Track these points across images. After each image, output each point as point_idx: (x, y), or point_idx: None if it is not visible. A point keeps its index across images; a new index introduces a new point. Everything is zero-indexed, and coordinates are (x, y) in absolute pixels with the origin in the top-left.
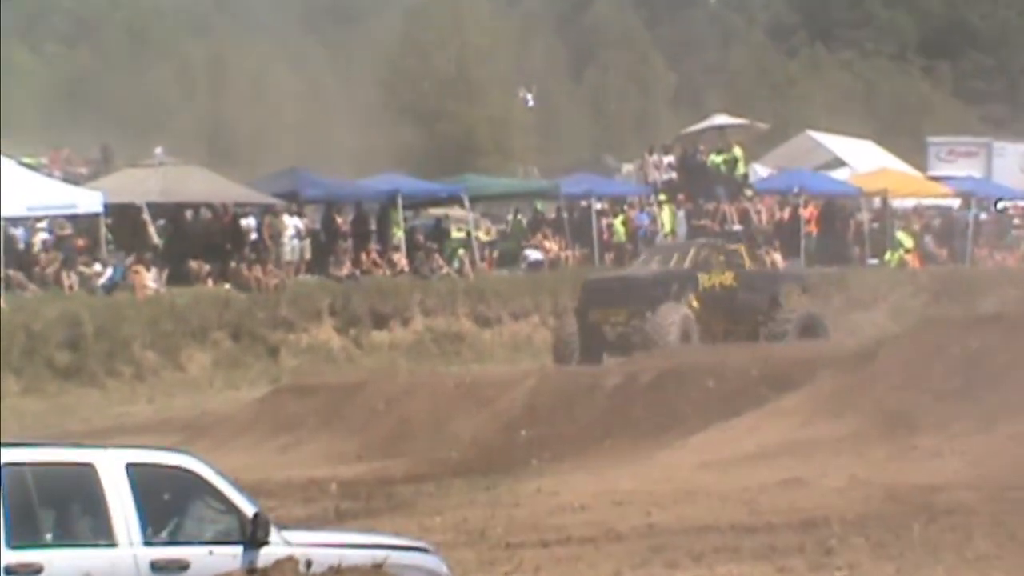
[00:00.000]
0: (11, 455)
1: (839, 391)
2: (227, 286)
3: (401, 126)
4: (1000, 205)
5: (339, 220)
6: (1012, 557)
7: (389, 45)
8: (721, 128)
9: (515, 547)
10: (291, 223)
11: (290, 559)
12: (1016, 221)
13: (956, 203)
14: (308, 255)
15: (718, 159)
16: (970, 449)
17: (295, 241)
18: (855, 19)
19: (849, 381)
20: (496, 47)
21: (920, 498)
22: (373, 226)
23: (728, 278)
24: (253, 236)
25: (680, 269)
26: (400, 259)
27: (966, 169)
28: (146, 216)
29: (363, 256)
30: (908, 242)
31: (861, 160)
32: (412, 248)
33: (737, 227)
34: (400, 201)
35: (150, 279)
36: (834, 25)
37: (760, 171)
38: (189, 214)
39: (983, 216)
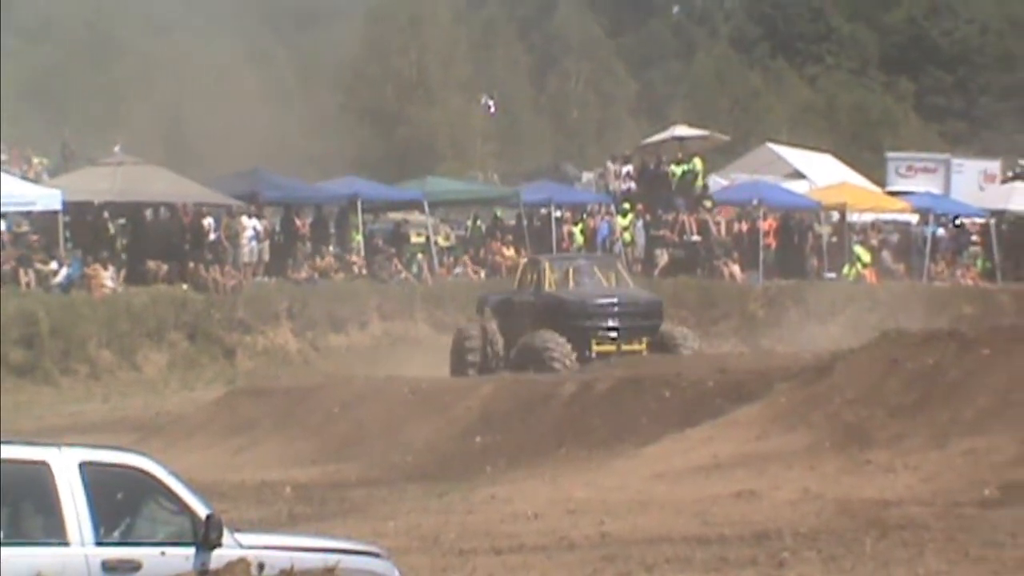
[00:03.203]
0: None
1: (794, 404)
2: (185, 287)
3: (361, 129)
4: (958, 222)
5: (298, 223)
6: (963, 574)
7: (350, 48)
8: (681, 139)
9: (468, 554)
10: (250, 224)
11: (242, 561)
12: (973, 238)
13: (914, 219)
14: (266, 257)
15: (678, 170)
16: (923, 465)
17: (253, 243)
18: (817, 33)
19: (804, 394)
20: (457, 52)
21: (872, 513)
22: (332, 229)
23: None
24: (212, 237)
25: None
26: (358, 263)
27: (925, 185)
28: (105, 215)
29: (321, 259)
30: (866, 256)
31: (820, 174)
32: (371, 252)
33: (696, 238)
34: (359, 205)
35: (108, 278)
36: (796, 38)
37: (720, 182)
38: (149, 213)
39: (941, 232)
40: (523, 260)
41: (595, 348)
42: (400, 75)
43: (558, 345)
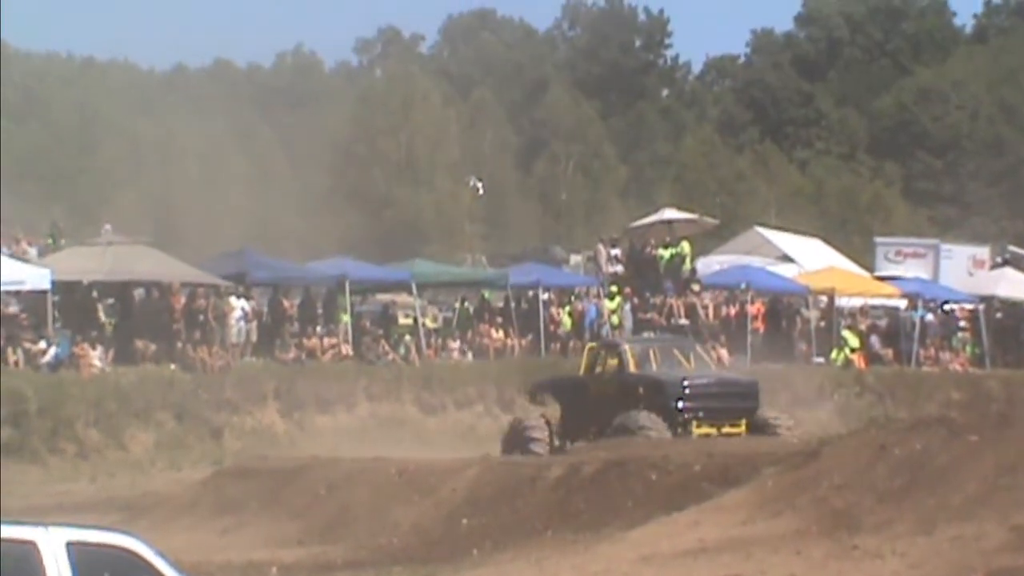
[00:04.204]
0: None
1: (781, 489)
2: (173, 366)
3: (350, 211)
4: (947, 307)
5: (286, 303)
6: None
7: (339, 130)
8: (670, 222)
9: None
10: (238, 305)
11: None
12: (962, 324)
13: (903, 304)
14: (254, 337)
15: (666, 253)
16: (911, 551)
17: (242, 323)
18: (806, 117)
19: (792, 479)
20: (446, 134)
21: None
22: (320, 310)
23: None
24: (201, 317)
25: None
26: (345, 345)
27: (914, 270)
28: (94, 294)
29: (308, 340)
30: (854, 341)
31: (809, 258)
32: (358, 333)
33: (684, 321)
34: (348, 286)
35: (96, 358)
36: (785, 123)
37: (709, 266)
38: (139, 293)
39: (929, 318)
40: (588, 345)
41: (696, 430)
42: (389, 157)
43: (655, 424)
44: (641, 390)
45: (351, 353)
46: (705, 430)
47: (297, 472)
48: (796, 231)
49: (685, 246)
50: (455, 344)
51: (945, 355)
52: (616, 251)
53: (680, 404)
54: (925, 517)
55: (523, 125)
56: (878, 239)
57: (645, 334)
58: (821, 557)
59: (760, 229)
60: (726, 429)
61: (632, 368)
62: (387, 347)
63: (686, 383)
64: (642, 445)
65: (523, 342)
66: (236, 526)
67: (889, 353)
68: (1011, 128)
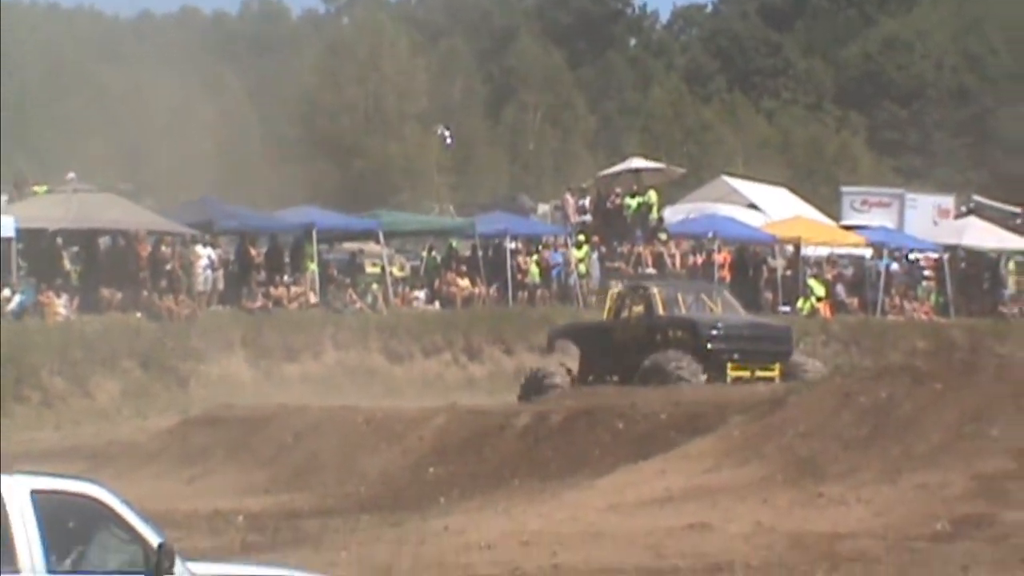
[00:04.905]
0: None
1: (747, 437)
2: (139, 315)
3: (318, 160)
4: (912, 256)
5: (253, 252)
6: None
7: (307, 79)
8: (637, 171)
9: None
10: (205, 253)
11: None
12: (927, 273)
13: (868, 253)
14: (221, 286)
15: (633, 202)
16: (875, 498)
17: (208, 272)
18: (773, 67)
19: (758, 427)
20: (414, 83)
21: (824, 546)
22: (287, 259)
23: None
24: (167, 266)
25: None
26: (312, 293)
27: (879, 219)
28: (59, 242)
29: (275, 288)
30: (820, 290)
31: (775, 207)
32: (325, 282)
33: (651, 270)
34: (315, 234)
35: (61, 306)
36: (752, 72)
37: (676, 215)
38: (105, 242)
39: (894, 267)
40: (613, 290)
41: (731, 372)
42: (357, 106)
43: (689, 365)
44: (673, 332)
45: (318, 302)
46: (739, 372)
47: (264, 420)
48: (763, 180)
49: (652, 195)
50: (421, 292)
51: (910, 304)
52: (584, 200)
53: (714, 346)
54: (889, 465)
55: (491, 74)
56: (844, 188)
57: (612, 282)
58: (786, 505)
59: (727, 178)
60: (760, 372)
61: (660, 312)
62: (354, 296)
63: (720, 324)
64: (610, 394)
65: (490, 291)
66: (202, 475)
67: (854, 302)
68: (976, 78)
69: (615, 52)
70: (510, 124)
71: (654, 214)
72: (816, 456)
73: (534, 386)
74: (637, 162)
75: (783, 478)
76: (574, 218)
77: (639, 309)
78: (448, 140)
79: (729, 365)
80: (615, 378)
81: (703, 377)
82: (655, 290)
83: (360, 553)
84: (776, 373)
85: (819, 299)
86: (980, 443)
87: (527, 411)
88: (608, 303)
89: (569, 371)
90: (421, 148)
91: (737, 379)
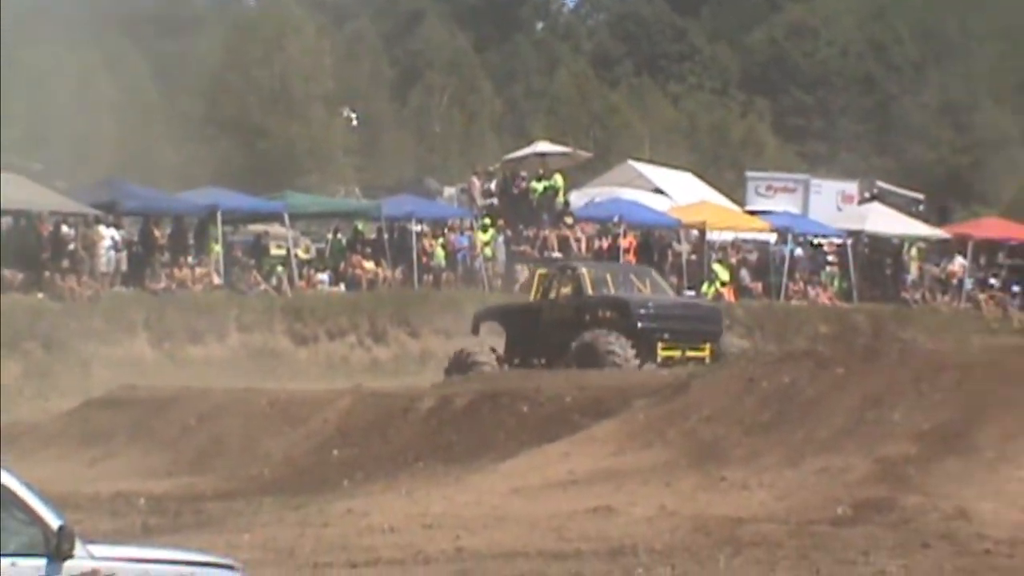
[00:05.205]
0: None
1: (651, 421)
2: (40, 295)
3: (222, 141)
4: (816, 241)
5: (157, 233)
6: None
7: (213, 59)
8: (543, 155)
9: (323, 567)
10: (108, 234)
11: (94, 573)
12: (830, 258)
13: (773, 238)
14: (124, 267)
15: (539, 186)
16: (778, 482)
17: (111, 253)
18: (679, 52)
19: (662, 411)
20: (321, 65)
21: (727, 530)
22: (191, 240)
23: None
24: (71, 246)
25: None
26: (216, 275)
27: (784, 205)
28: None
29: (179, 270)
30: (724, 275)
31: (681, 192)
32: (230, 264)
33: (556, 254)
34: (219, 216)
35: None
36: (658, 57)
37: (582, 199)
38: (7, 222)
39: (798, 252)
40: (540, 270)
41: (661, 352)
42: (262, 87)
43: (620, 344)
44: (603, 312)
45: (222, 283)
46: (670, 352)
47: (167, 403)
48: (668, 165)
49: (558, 179)
50: (326, 275)
51: (813, 289)
52: (490, 184)
53: (645, 325)
54: (792, 449)
55: (397, 57)
56: (749, 174)
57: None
58: (690, 488)
59: (633, 163)
60: (690, 352)
61: (590, 292)
62: (259, 278)
63: (650, 303)
64: (514, 377)
65: (396, 273)
66: (105, 457)
67: (758, 287)
68: (880, 65)
69: (522, 35)
70: (416, 107)
71: (560, 198)
72: (719, 440)
73: (460, 366)
74: (543, 146)
75: (686, 462)
76: (480, 201)
77: (567, 290)
78: (354, 122)
79: (659, 345)
80: (542, 360)
81: (633, 354)
82: (584, 270)
83: (263, 536)
84: (706, 353)
85: (723, 284)
86: (882, 428)
87: (431, 394)
88: (535, 284)
89: (496, 353)
90: (327, 130)
91: (667, 359)
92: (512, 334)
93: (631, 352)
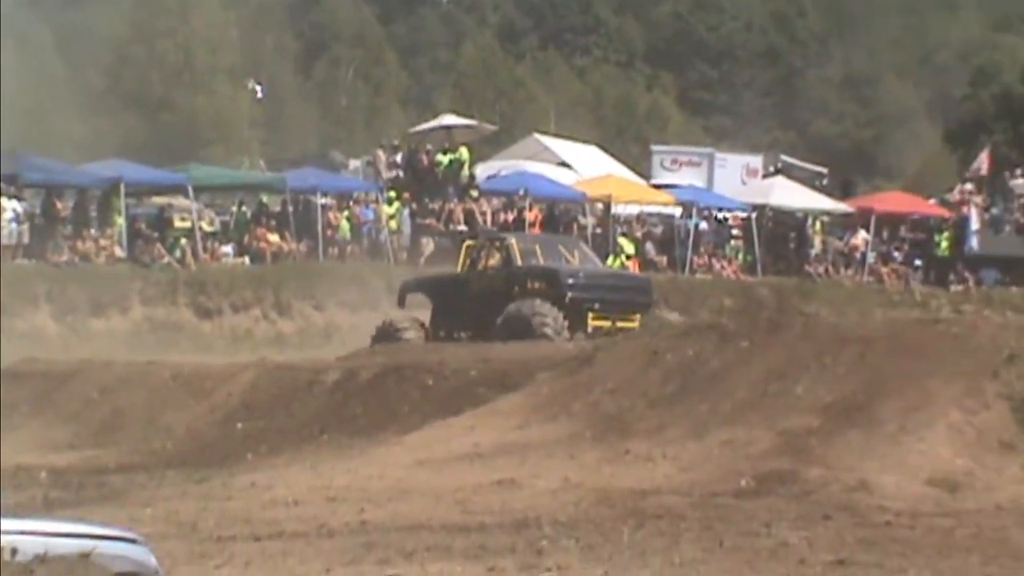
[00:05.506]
0: None
1: (556, 393)
2: None
3: (126, 113)
4: (720, 215)
5: (59, 205)
6: (718, 562)
7: (116, 31)
8: (449, 128)
9: (226, 540)
10: (10, 206)
11: None
12: (735, 231)
13: (678, 211)
14: (26, 239)
15: (445, 159)
16: (682, 455)
17: (13, 225)
18: (585, 25)
19: (566, 384)
20: (225, 37)
21: (631, 502)
22: (94, 212)
23: None
24: None
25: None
26: (120, 248)
27: (689, 178)
28: None
29: (82, 242)
30: (630, 248)
31: (586, 165)
32: (133, 236)
33: (462, 227)
34: (123, 188)
35: None
36: (564, 30)
37: (488, 172)
38: None
39: (703, 225)
40: (467, 242)
41: (591, 322)
42: (166, 59)
43: (551, 314)
44: (532, 282)
45: (125, 256)
46: (600, 322)
47: (69, 375)
48: (574, 138)
49: (464, 152)
50: (230, 247)
51: (718, 262)
52: (395, 157)
53: (575, 295)
54: (696, 422)
55: (303, 29)
56: (654, 147)
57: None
58: (594, 461)
59: (538, 136)
60: (620, 323)
61: (519, 262)
62: (162, 250)
63: (580, 274)
64: (419, 350)
65: (300, 246)
66: (6, 429)
67: (663, 260)
68: (784, 38)
69: (427, 8)
70: (321, 79)
71: (465, 171)
72: (623, 413)
73: (385, 338)
74: (449, 119)
75: (591, 435)
76: (385, 174)
77: (495, 261)
78: (259, 95)
79: (590, 315)
80: (469, 332)
81: (564, 325)
82: (512, 241)
83: (165, 509)
84: (636, 324)
85: (628, 257)
86: (785, 400)
87: (336, 367)
88: (463, 255)
89: (422, 324)
90: (231, 102)
91: (597, 329)
92: (439, 305)
93: (562, 322)
